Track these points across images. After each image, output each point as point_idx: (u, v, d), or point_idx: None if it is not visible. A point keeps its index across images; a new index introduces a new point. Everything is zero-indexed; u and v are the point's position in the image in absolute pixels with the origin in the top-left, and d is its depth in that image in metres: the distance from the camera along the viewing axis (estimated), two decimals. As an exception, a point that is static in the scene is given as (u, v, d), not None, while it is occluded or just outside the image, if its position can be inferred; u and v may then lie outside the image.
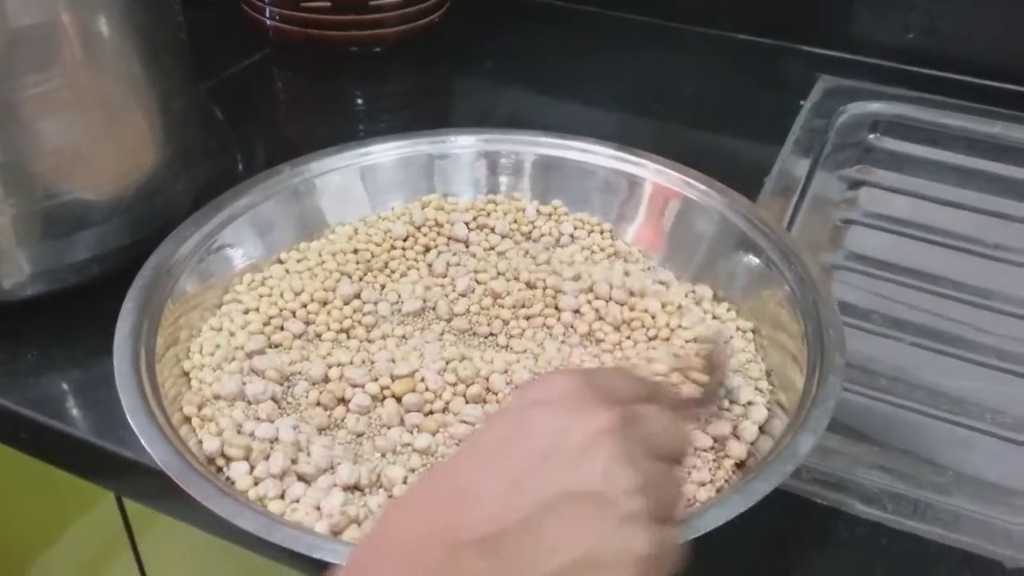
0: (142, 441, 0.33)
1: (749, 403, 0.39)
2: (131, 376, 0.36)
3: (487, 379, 0.39)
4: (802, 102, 0.61)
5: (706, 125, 0.62)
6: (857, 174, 0.55)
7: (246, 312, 0.42)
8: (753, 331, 0.43)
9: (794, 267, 0.42)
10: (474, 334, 0.43)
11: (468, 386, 0.39)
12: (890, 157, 0.57)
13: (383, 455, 0.36)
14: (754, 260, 0.44)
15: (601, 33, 0.73)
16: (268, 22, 0.67)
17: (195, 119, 0.51)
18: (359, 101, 0.66)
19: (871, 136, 0.57)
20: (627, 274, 0.45)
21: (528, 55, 0.70)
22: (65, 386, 0.42)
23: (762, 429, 0.38)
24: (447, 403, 0.39)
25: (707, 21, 0.72)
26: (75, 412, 0.41)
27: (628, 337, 0.42)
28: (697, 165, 0.47)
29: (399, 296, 0.44)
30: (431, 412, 0.38)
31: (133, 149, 0.46)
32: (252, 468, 0.35)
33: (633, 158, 0.48)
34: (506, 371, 0.40)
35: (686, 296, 0.44)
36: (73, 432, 0.40)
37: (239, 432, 0.36)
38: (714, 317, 0.43)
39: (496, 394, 0.39)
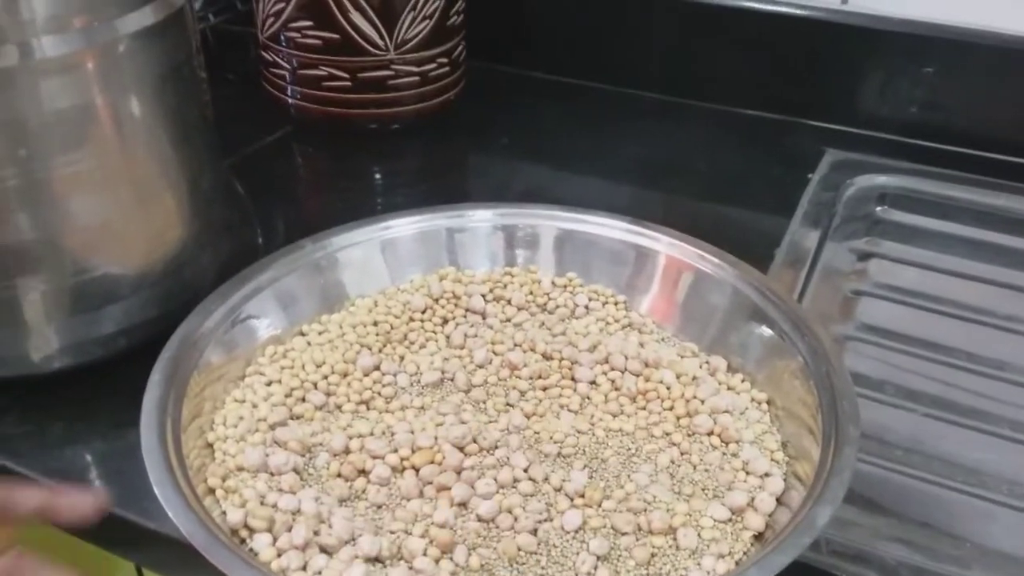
0: (168, 512, 0.34)
1: (766, 475, 0.39)
2: (158, 448, 0.36)
3: (506, 450, 0.40)
4: (810, 175, 0.62)
5: (716, 198, 0.63)
6: (866, 246, 0.56)
7: (268, 384, 0.43)
8: (768, 402, 0.43)
9: (807, 338, 0.42)
10: (492, 406, 0.43)
11: (488, 453, 0.40)
12: (898, 229, 0.58)
13: (404, 527, 0.37)
14: (767, 332, 0.44)
15: (612, 109, 0.75)
16: (290, 100, 0.69)
17: (220, 195, 0.52)
18: (377, 177, 0.68)
19: (879, 208, 0.58)
20: (642, 345, 0.46)
21: (541, 131, 0.72)
22: (89, 457, 0.43)
23: (779, 500, 0.38)
24: (461, 474, 0.39)
25: (715, 97, 0.74)
26: (99, 483, 0.41)
27: (644, 408, 0.43)
28: (708, 237, 0.49)
29: (418, 367, 0.45)
30: (447, 486, 0.39)
31: (161, 225, 0.47)
32: (275, 540, 0.35)
33: (646, 231, 0.49)
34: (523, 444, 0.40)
35: (700, 367, 0.45)
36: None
37: (262, 503, 0.36)
38: (728, 388, 0.44)
39: (514, 468, 0.39)
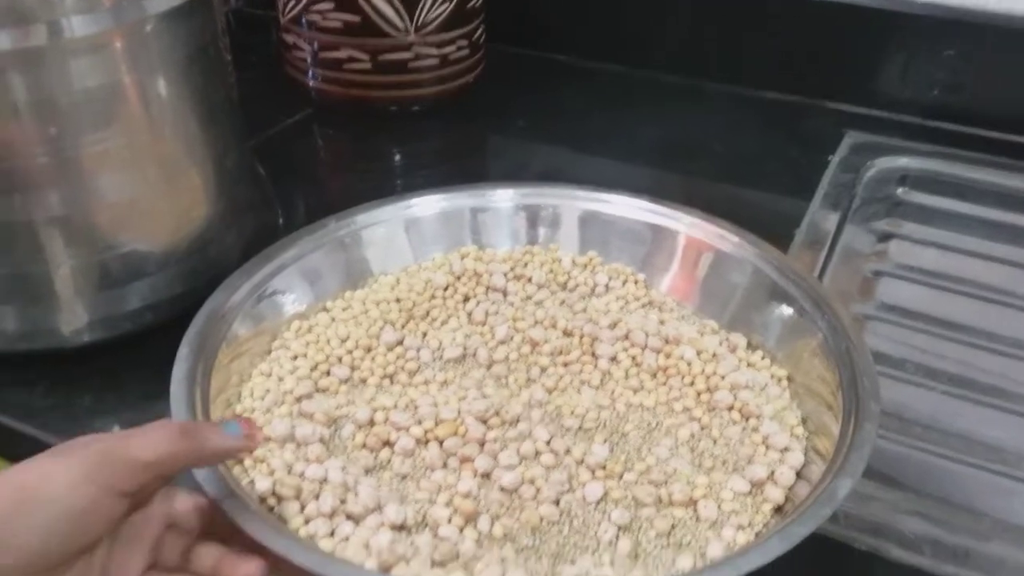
0: (199, 481, 0.34)
1: (786, 449, 0.40)
2: (187, 418, 0.37)
3: (528, 424, 0.40)
4: (830, 157, 0.62)
5: (735, 180, 0.64)
6: (886, 227, 0.56)
7: (294, 358, 0.44)
8: (788, 379, 0.44)
9: (827, 316, 0.42)
10: (514, 381, 0.44)
11: (510, 426, 0.40)
12: (918, 210, 0.58)
13: (429, 497, 0.37)
14: (787, 309, 0.45)
15: (631, 91, 0.76)
16: (311, 83, 0.69)
17: (245, 175, 0.53)
18: (397, 158, 0.69)
19: (899, 190, 0.59)
20: (662, 322, 0.46)
21: (559, 113, 0.73)
22: (118, 428, 0.44)
23: (799, 474, 0.39)
24: (484, 446, 0.39)
25: (735, 79, 0.74)
26: None
27: (664, 383, 0.43)
28: (727, 218, 0.49)
29: (440, 343, 0.45)
30: (470, 458, 0.39)
31: (188, 204, 0.48)
32: (303, 507, 0.36)
33: (667, 211, 0.50)
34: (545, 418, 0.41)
35: (720, 344, 0.45)
36: None
37: (289, 473, 0.37)
38: (748, 365, 0.44)
39: (536, 441, 0.40)
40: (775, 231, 0.49)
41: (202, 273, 0.48)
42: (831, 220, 0.54)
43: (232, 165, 0.50)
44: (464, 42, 0.69)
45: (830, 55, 0.71)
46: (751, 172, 0.64)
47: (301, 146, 0.70)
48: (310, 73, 0.69)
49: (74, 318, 0.45)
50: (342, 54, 0.67)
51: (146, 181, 0.45)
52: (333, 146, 0.72)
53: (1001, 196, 0.57)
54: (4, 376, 0.46)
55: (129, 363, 0.46)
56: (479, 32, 0.71)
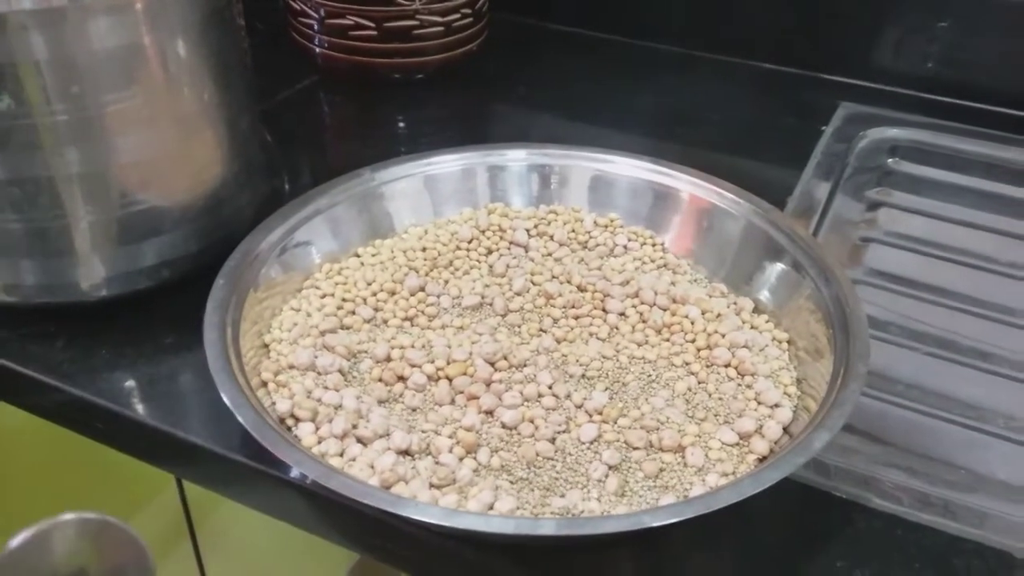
0: (224, 398, 0.38)
1: (776, 405, 0.42)
2: (218, 342, 0.40)
3: (534, 369, 0.43)
4: (823, 128, 0.64)
5: (730, 149, 0.65)
6: (876, 196, 0.57)
7: (322, 296, 0.47)
8: (788, 342, 0.45)
9: (831, 285, 0.44)
10: (526, 330, 0.46)
11: (516, 370, 0.43)
12: (908, 180, 0.59)
13: (434, 428, 0.40)
14: (794, 275, 0.46)
15: (629, 62, 0.77)
16: (317, 49, 0.71)
17: (257, 138, 0.54)
18: (401, 124, 0.70)
19: (890, 160, 0.59)
20: (673, 283, 0.48)
21: (560, 82, 0.74)
22: (135, 379, 0.46)
23: (787, 431, 0.41)
24: (490, 386, 0.42)
25: (731, 50, 0.75)
26: (145, 402, 0.45)
27: (668, 340, 0.45)
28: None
29: (460, 291, 0.48)
30: (476, 396, 0.42)
31: (203, 163, 0.49)
32: (317, 428, 0.39)
33: (679, 174, 0.52)
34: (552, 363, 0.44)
35: (727, 307, 0.47)
36: (145, 420, 0.43)
37: (308, 397, 0.40)
38: (752, 327, 0.46)
39: (539, 384, 0.42)
40: (768, 198, 0.50)
41: (216, 232, 0.49)
42: (823, 188, 0.56)
43: (245, 127, 0.52)
44: (468, 10, 0.70)
45: (826, 27, 0.71)
46: (746, 141, 0.66)
47: (307, 112, 0.72)
48: (316, 40, 0.71)
49: (92, 273, 0.47)
50: (348, 21, 0.68)
51: (163, 140, 0.46)
52: (338, 112, 0.73)
53: (990, 167, 0.58)
54: (25, 329, 0.48)
55: (146, 318, 0.48)
56: (482, 1, 0.72)
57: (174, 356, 0.46)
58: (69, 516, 0.45)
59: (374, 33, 0.69)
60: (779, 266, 0.47)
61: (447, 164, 0.53)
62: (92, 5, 0.41)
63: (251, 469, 0.41)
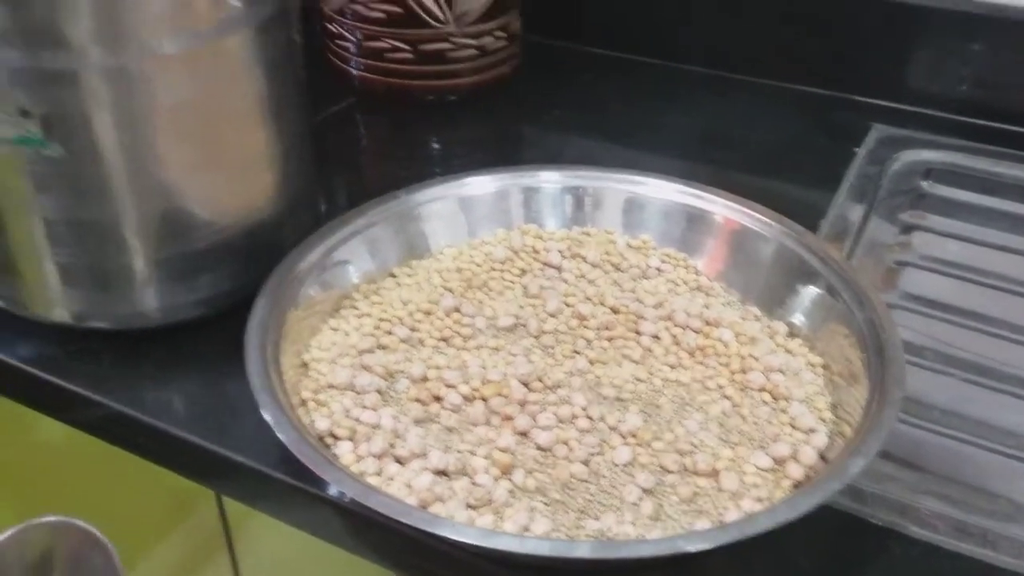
0: (265, 416, 0.38)
1: (811, 430, 0.42)
2: (259, 360, 0.41)
3: (568, 390, 0.43)
4: (856, 150, 0.63)
5: (763, 170, 0.65)
6: (910, 219, 0.57)
7: (360, 316, 0.48)
8: (823, 367, 0.45)
9: (865, 309, 0.44)
10: (560, 351, 0.47)
11: (551, 391, 0.43)
12: (943, 203, 0.59)
13: (470, 448, 0.41)
14: (828, 298, 0.46)
15: (662, 83, 0.77)
16: (354, 72, 0.72)
17: (307, 171, 0.55)
18: (435, 146, 0.71)
19: (924, 183, 0.59)
20: (707, 306, 0.49)
21: (593, 104, 0.75)
22: (180, 396, 0.47)
23: (822, 456, 0.41)
24: (524, 407, 0.43)
25: (764, 72, 0.75)
26: (187, 418, 0.46)
27: (701, 362, 0.46)
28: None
29: (494, 312, 0.49)
30: (511, 417, 0.42)
31: (255, 202, 0.50)
32: (355, 447, 0.40)
33: (713, 197, 0.52)
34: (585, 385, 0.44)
35: (761, 330, 0.47)
36: (186, 436, 0.45)
37: (347, 416, 0.41)
38: (786, 351, 0.46)
39: (573, 406, 0.43)
40: (801, 219, 0.50)
41: (265, 259, 0.49)
42: (856, 212, 0.55)
43: (296, 162, 0.52)
44: (502, 33, 0.71)
45: (860, 50, 0.71)
46: (778, 163, 0.66)
47: (343, 133, 0.72)
48: (353, 63, 0.72)
49: (146, 304, 0.47)
50: (384, 44, 0.69)
51: (219, 183, 0.47)
52: (374, 133, 0.74)
53: (1025, 190, 0.58)
54: (72, 347, 0.49)
55: (190, 337, 0.49)
56: (516, 23, 0.73)
57: (216, 373, 0.47)
58: (36, 520, 0.46)
59: (410, 56, 0.70)
60: (813, 289, 0.48)
61: (481, 185, 0.54)
62: (161, 62, 0.42)
63: (290, 486, 0.42)
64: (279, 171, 0.50)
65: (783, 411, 0.43)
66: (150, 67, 0.42)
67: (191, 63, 0.43)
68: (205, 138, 0.46)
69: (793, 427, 0.42)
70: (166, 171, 0.45)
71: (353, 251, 0.50)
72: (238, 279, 0.49)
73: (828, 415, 0.43)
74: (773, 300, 0.49)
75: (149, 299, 0.48)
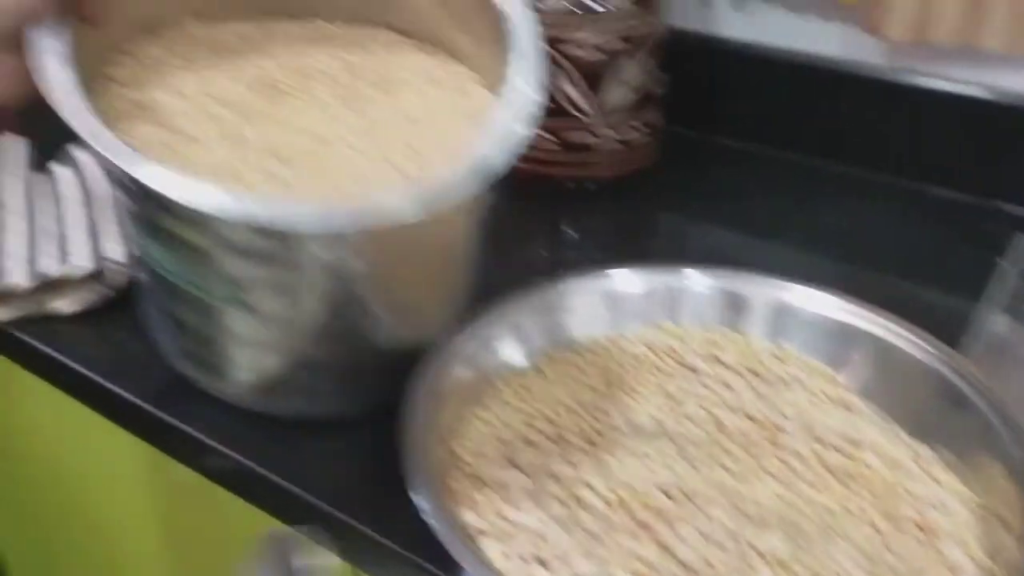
0: (423, 508, 0.40)
1: (960, 569, 0.41)
2: (415, 446, 0.43)
3: (710, 503, 0.44)
4: (998, 259, 0.62)
5: (903, 275, 0.64)
6: None
7: (505, 405, 0.49)
8: (973, 499, 0.44)
9: (1016, 434, 0.43)
10: (698, 458, 0.47)
11: (691, 502, 0.43)
12: None
13: (612, 557, 0.41)
14: (975, 424, 0.45)
15: (803, 181, 0.77)
16: None
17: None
18: (573, 233, 0.74)
19: None
20: (849, 423, 0.48)
21: (731, 199, 0.75)
22: (343, 476, 0.50)
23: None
24: (664, 516, 0.43)
25: (905, 174, 0.75)
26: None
27: (846, 486, 0.45)
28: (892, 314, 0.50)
29: (634, 411, 0.49)
30: (650, 526, 0.43)
31: (436, 318, 0.52)
32: (501, 546, 0.41)
33: (862, 311, 0.52)
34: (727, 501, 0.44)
35: (907, 455, 0.47)
36: (355, 524, 0.46)
37: (495, 514, 0.42)
38: (933, 479, 0.46)
39: (714, 521, 0.43)
40: (942, 333, 0.50)
41: (405, 375, 0.48)
42: (999, 324, 0.54)
43: (460, 291, 0.54)
44: (644, 126, 0.73)
45: (1005, 155, 0.70)
46: (918, 268, 0.65)
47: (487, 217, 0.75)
48: None
49: (322, 408, 0.52)
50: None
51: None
52: (515, 219, 0.74)
53: None
54: (193, 394, 0.52)
55: (347, 435, 0.51)
56: (659, 116, 0.75)
57: (355, 438, 0.50)
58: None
59: (555, 146, 0.72)
60: (963, 417, 0.47)
61: (627, 280, 0.55)
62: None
63: (429, 573, 0.43)
64: (443, 308, 0.53)
65: (931, 546, 0.42)
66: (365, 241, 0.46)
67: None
68: (411, 283, 0.50)
69: (942, 564, 0.41)
70: (374, 319, 0.49)
71: (499, 339, 0.51)
72: (383, 391, 0.50)
73: (978, 553, 0.42)
74: (919, 423, 0.48)
75: (324, 402, 0.52)
